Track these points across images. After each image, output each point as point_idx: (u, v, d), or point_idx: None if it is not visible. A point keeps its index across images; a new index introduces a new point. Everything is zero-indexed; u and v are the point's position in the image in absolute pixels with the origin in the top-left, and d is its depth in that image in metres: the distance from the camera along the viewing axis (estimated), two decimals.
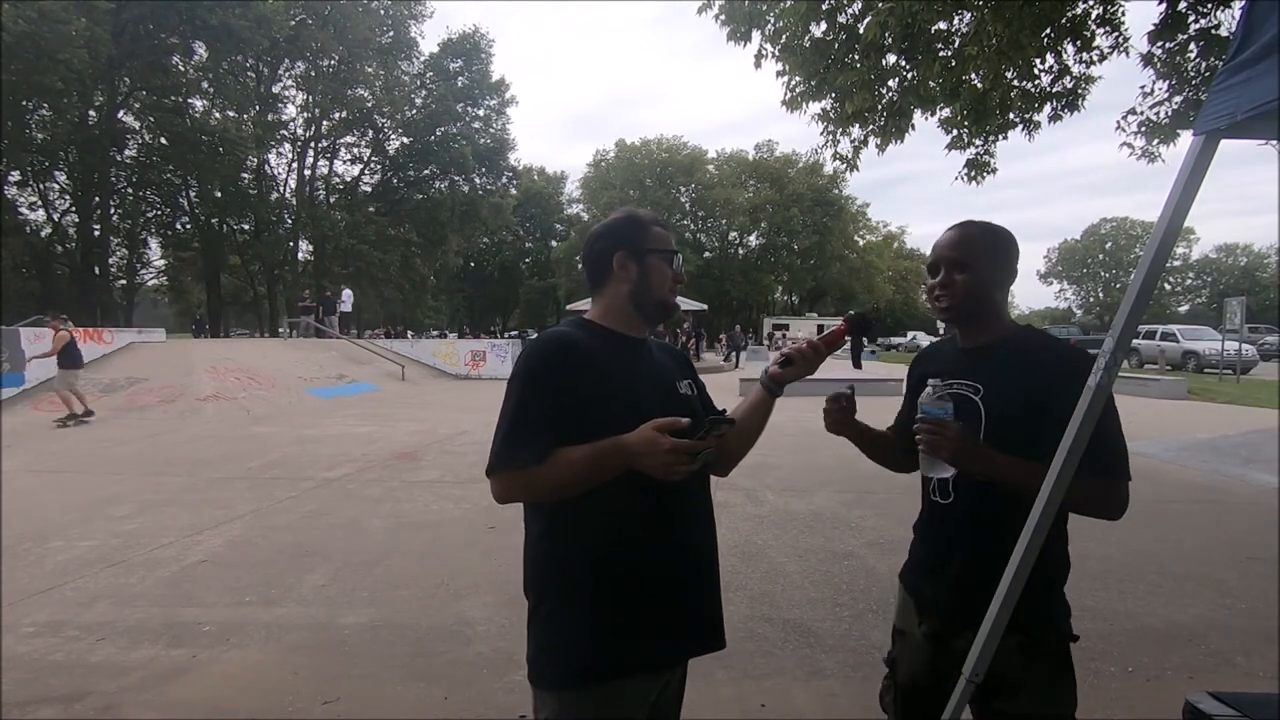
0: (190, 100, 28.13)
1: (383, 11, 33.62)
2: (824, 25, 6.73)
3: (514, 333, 47.73)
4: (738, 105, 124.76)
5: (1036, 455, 1.22)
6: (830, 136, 7.38)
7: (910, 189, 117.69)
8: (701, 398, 1.40)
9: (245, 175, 30.74)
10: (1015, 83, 6.66)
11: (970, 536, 1.35)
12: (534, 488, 1.18)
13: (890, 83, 6.88)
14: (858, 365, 1.89)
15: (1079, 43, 6.39)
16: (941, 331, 1.50)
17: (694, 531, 1.29)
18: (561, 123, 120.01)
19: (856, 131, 7.24)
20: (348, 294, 22.25)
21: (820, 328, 32.84)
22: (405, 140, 36.20)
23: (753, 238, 52.81)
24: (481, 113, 37.42)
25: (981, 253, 1.36)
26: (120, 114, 27.70)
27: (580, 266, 1.38)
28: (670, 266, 1.34)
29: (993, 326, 1.39)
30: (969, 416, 1.32)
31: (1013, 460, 1.25)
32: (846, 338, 1.45)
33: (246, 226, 32.98)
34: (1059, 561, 1.33)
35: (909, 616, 1.46)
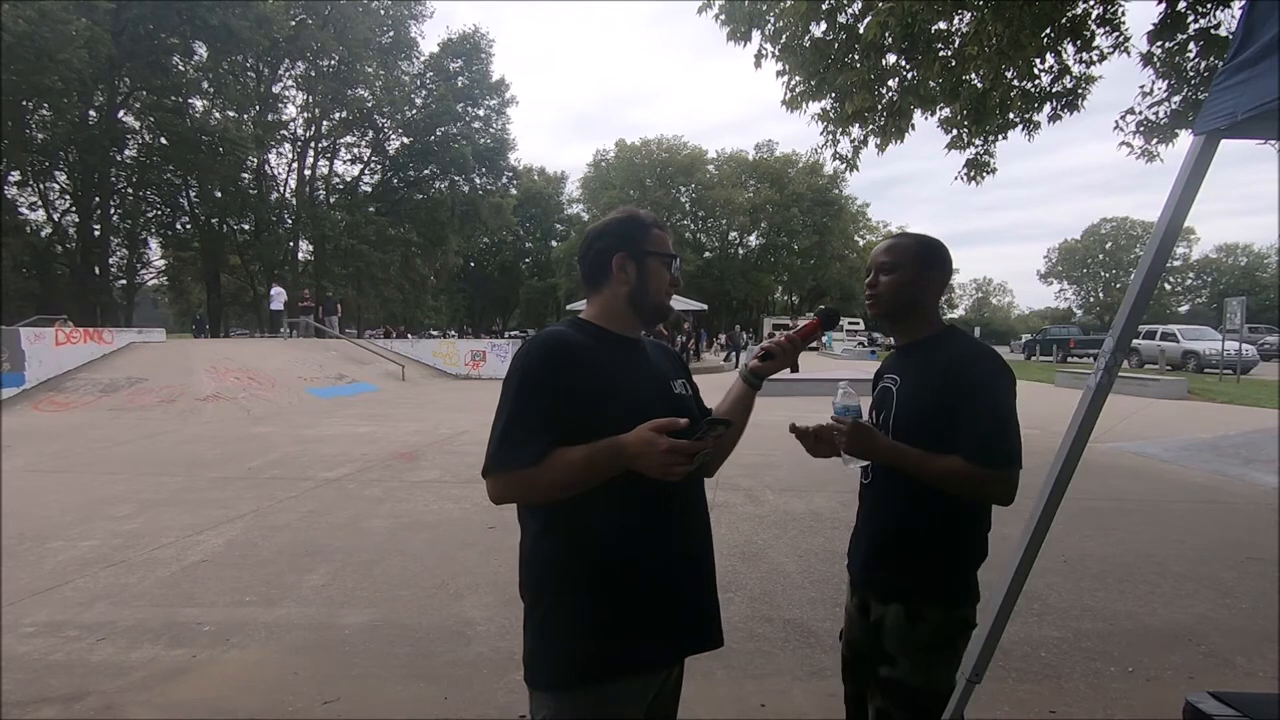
0: (190, 100, 28.17)
1: (383, 11, 33.64)
2: (824, 25, 6.74)
3: (514, 333, 47.74)
4: (737, 104, 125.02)
5: (937, 440, 1.35)
6: (830, 136, 7.39)
7: (910, 189, 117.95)
8: (695, 397, 1.41)
9: (245, 175, 30.76)
10: (1015, 83, 6.66)
11: (879, 514, 1.51)
12: (531, 489, 1.17)
13: (890, 83, 6.88)
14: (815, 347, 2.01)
15: (1079, 43, 6.40)
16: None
17: (689, 530, 1.29)
18: (560, 121, 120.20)
19: (856, 131, 7.25)
20: (277, 291, 22.24)
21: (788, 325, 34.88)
22: (405, 140, 36.23)
23: (753, 238, 52.84)
24: (481, 113, 37.46)
25: (905, 258, 1.49)
26: (120, 114, 27.73)
27: (580, 266, 1.38)
28: (669, 270, 1.34)
29: (920, 326, 1.52)
30: (886, 406, 1.49)
31: (901, 446, 1.38)
32: (820, 331, 1.58)
33: (246, 226, 33.01)
34: (959, 542, 1.43)
35: (847, 592, 1.63)
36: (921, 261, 1.49)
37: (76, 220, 28.38)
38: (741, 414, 1.43)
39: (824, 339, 34.19)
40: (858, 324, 41.28)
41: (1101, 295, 67.89)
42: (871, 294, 1.53)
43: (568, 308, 32.59)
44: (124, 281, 31.79)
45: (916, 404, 1.43)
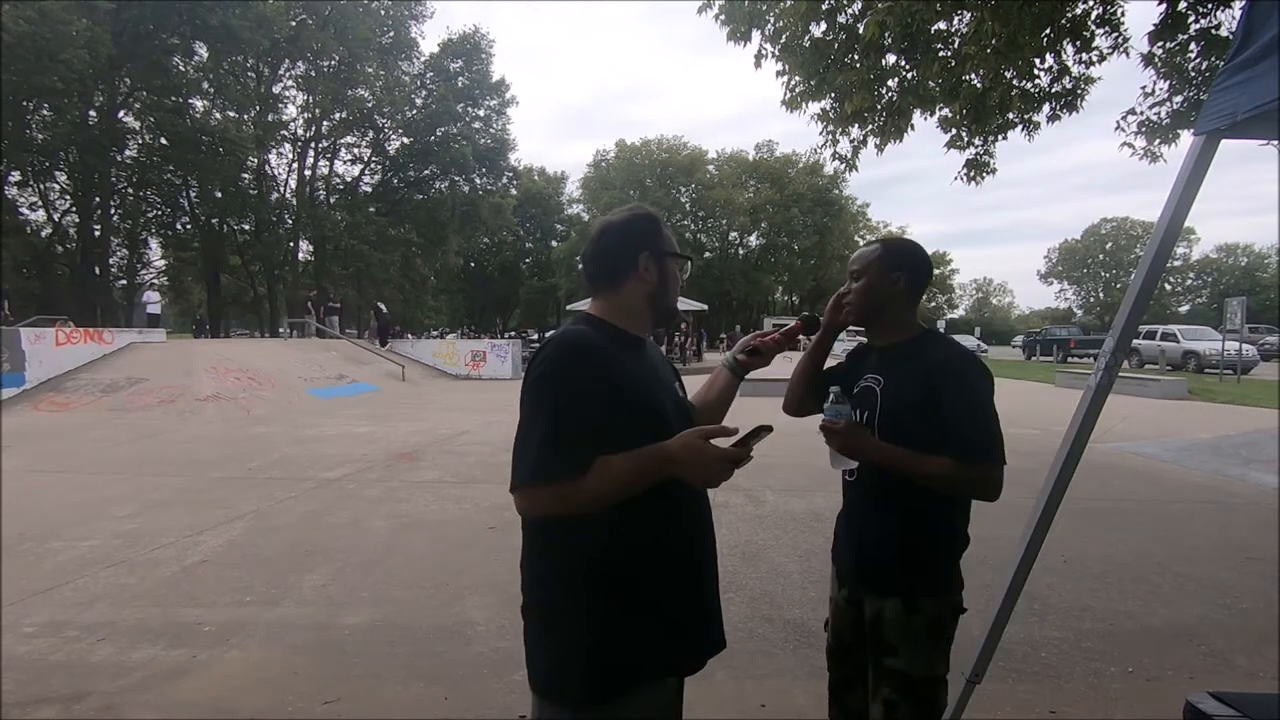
0: (190, 100, 28.13)
1: (383, 12, 33.60)
2: (824, 25, 6.74)
3: (514, 333, 47.74)
4: (737, 102, 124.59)
5: (923, 440, 1.40)
6: (830, 136, 7.39)
7: (910, 188, 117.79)
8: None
9: (245, 175, 30.71)
10: (1015, 83, 6.66)
11: (870, 510, 1.55)
12: (572, 501, 1.11)
13: (890, 83, 6.88)
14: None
15: (1079, 43, 6.39)
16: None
17: (699, 533, 1.28)
18: (557, 119, 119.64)
19: (856, 131, 7.25)
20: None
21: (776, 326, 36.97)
22: (405, 140, 36.18)
23: (753, 238, 52.79)
24: (482, 113, 37.40)
25: (869, 263, 1.56)
26: (120, 114, 27.70)
27: (588, 261, 1.32)
28: (681, 273, 1.34)
29: (898, 329, 1.57)
30: (869, 405, 1.53)
31: (892, 448, 1.43)
32: (800, 335, 1.64)
33: (247, 226, 32.96)
34: (948, 535, 1.50)
35: (834, 585, 1.68)
36: (886, 265, 1.54)
37: (76, 220, 28.34)
38: (726, 399, 1.49)
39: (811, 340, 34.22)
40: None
41: (1101, 295, 67.83)
42: (844, 301, 1.61)
43: (568, 307, 32.59)
44: (124, 281, 31.78)
45: (900, 405, 1.47)
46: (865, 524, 1.56)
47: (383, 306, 22.80)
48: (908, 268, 1.55)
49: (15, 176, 25.31)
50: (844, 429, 1.45)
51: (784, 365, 1.71)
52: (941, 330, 1.66)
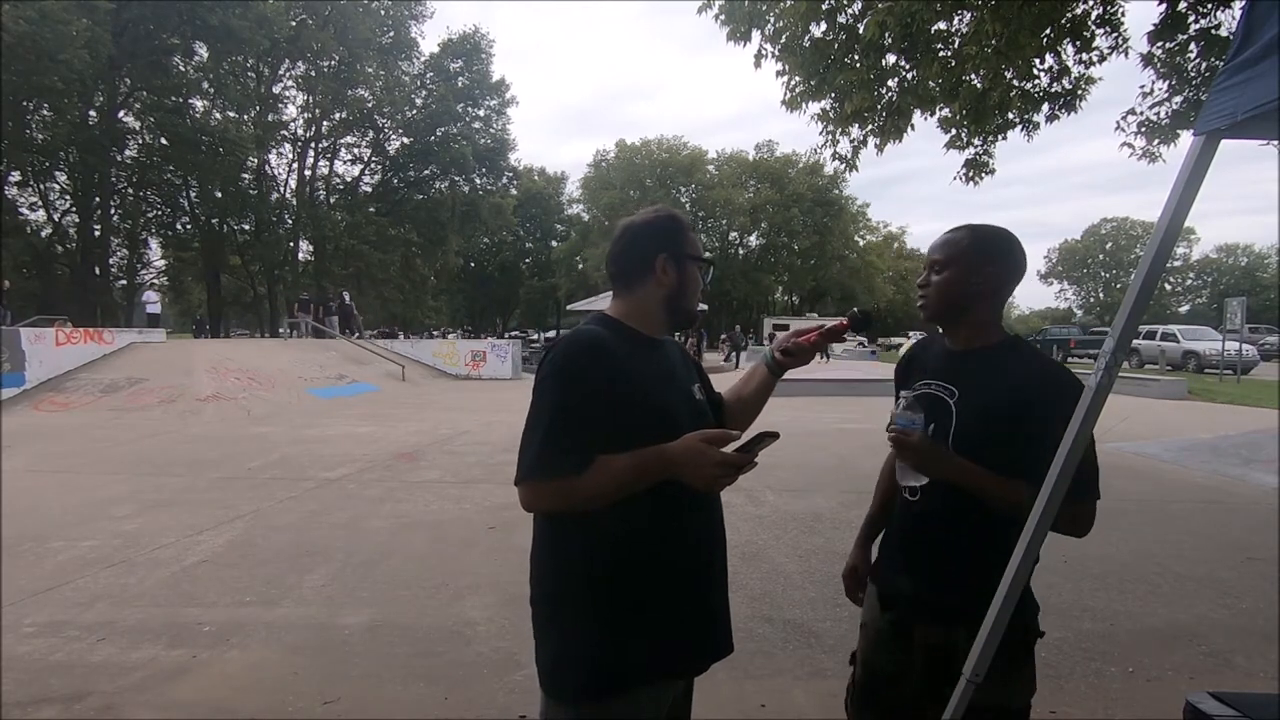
0: (190, 101, 28.17)
1: (383, 12, 33.63)
2: (824, 25, 6.73)
3: (514, 333, 47.74)
4: (737, 101, 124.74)
5: (1003, 463, 1.25)
6: (830, 136, 7.38)
7: (910, 188, 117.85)
8: (710, 400, 1.39)
9: (245, 175, 30.75)
10: (1014, 83, 6.66)
11: (935, 532, 1.38)
12: (571, 498, 1.12)
13: (890, 83, 6.88)
14: (825, 356, 1.96)
15: (1079, 43, 6.39)
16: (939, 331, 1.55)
17: (706, 535, 1.28)
18: (557, 119, 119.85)
19: (856, 131, 7.24)
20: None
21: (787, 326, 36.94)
22: (405, 140, 36.22)
23: (753, 238, 52.83)
24: (482, 113, 37.45)
25: (962, 255, 1.36)
26: (120, 114, 27.73)
27: (609, 261, 1.32)
28: (703, 277, 1.33)
29: (979, 331, 1.39)
30: (941, 417, 1.34)
31: (975, 468, 1.27)
32: (847, 333, 1.54)
33: (247, 227, 33.00)
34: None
35: (873, 609, 1.50)
36: (977, 256, 1.35)
37: (76, 220, 28.38)
38: (762, 398, 1.47)
39: (867, 352, 33.92)
40: None
41: (1102, 295, 67.88)
42: (922, 293, 1.41)
43: (568, 307, 32.55)
44: (124, 282, 31.79)
45: (984, 423, 1.30)
46: (927, 544, 1.39)
47: (346, 296, 22.72)
48: (1002, 258, 1.35)
49: (15, 176, 25.34)
50: (919, 443, 1.29)
51: (821, 367, 1.66)
52: (940, 332, 1.56)
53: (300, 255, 34.69)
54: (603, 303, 1.74)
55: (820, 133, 7.40)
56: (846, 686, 1.57)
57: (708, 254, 1.34)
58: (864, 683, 1.50)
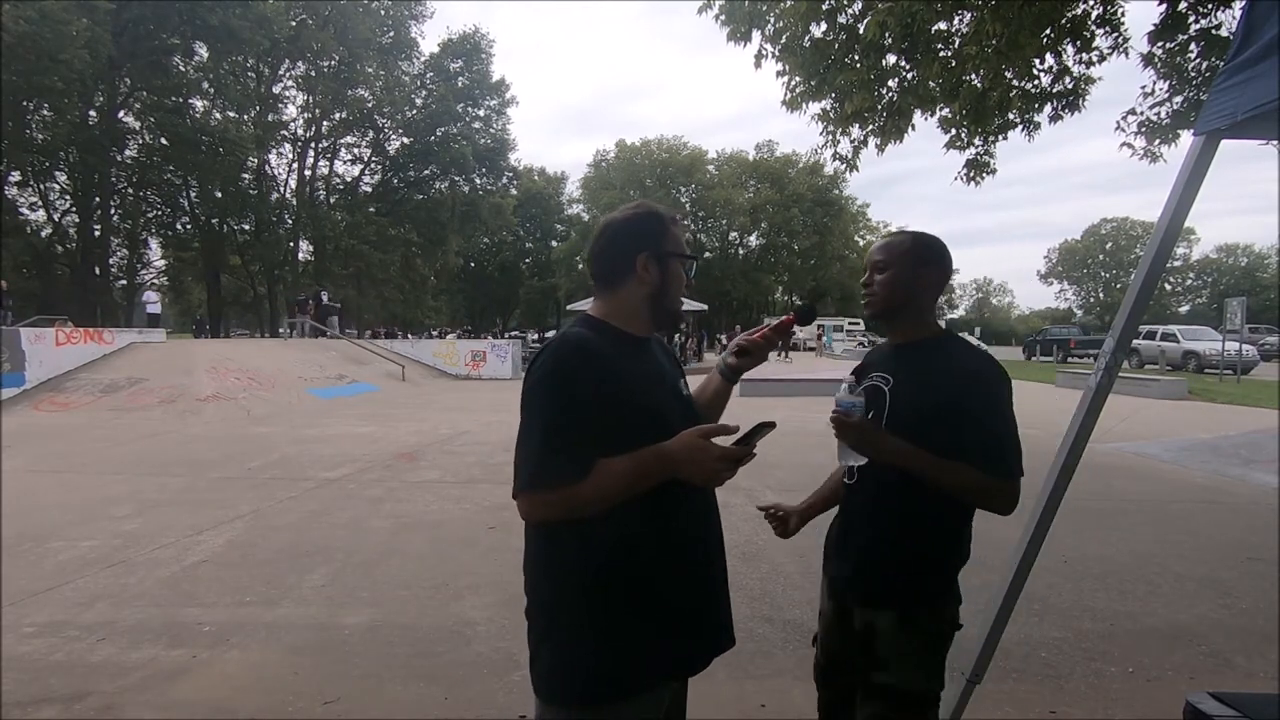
0: (191, 101, 28.18)
1: (383, 12, 33.65)
2: (824, 25, 6.74)
3: (514, 333, 47.72)
4: (737, 101, 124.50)
5: (932, 443, 1.34)
6: (830, 136, 7.39)
7: (910, 188, 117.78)
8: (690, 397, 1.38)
9: (245, 175, 30.76)
10: (1015, 83, 6.67)
11: (869, 518, 1.48)
12: (573, 505, 1.10)
13: (890, 83, 6.89)
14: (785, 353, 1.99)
15: (1079, 43, 6.40)
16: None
17: (703, 533, 1.27)
18: (557, 119, 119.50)
19: (856, 131, 7.25)
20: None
21: (839, 327, 40.48)
22: (405, 140, 36.23)
23: (753, 238, 52.79)
24: (482, 113, 37.46)
25: (902, 258, 1.48)
26: (120, 114, 27.74)
27: (590, 261, 1.31)
28: (687, 273, 1.30)
29: (916, 327, 1.50)
30: (879, 403, 1.45)
31: (908, 447, 1.35)
32: (793, 328, 1.56)
33: (247, 227, 33.00)
34: (951, 546, 1.44)
35: (823, 598, 1.62)
36: (916, 259, 1.48)
37: (76, 220, 28.39)
38: (718, 408, 1.45)
39: (824, 340, 34.35)
40: (858, 324, 41.30)
41: (1102, 295, 67.84)
42: (866, 293, 1.53)
43: (568, 307, 32.56)
44: (124, 282, 31.79)
45: (915, 407, 1.40)
46: (869, 532, 1.47)
47: (325, 295, 22.62)
48: (935, 261, 1.49)
49: (15, 176, 25.33)
50: (859, 423, 1.37)
51: (779, 366, 1.67)
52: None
53: (300, 255, 34.71)
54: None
55: (820, 133, 7.42)
56: (813, 664, 1.68)
57: (690, 250, 1.31)
58: (822, 665, 1.63)
